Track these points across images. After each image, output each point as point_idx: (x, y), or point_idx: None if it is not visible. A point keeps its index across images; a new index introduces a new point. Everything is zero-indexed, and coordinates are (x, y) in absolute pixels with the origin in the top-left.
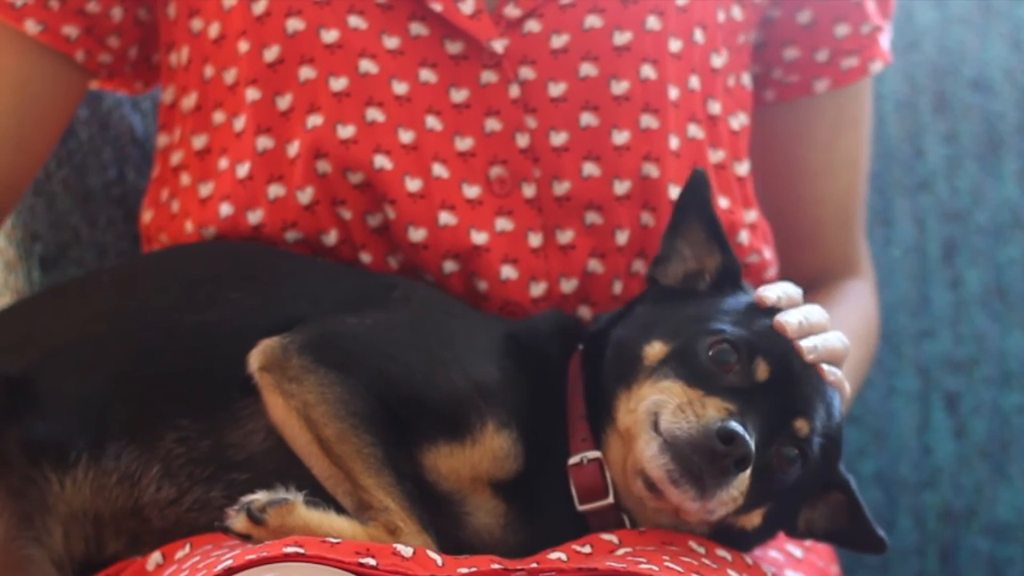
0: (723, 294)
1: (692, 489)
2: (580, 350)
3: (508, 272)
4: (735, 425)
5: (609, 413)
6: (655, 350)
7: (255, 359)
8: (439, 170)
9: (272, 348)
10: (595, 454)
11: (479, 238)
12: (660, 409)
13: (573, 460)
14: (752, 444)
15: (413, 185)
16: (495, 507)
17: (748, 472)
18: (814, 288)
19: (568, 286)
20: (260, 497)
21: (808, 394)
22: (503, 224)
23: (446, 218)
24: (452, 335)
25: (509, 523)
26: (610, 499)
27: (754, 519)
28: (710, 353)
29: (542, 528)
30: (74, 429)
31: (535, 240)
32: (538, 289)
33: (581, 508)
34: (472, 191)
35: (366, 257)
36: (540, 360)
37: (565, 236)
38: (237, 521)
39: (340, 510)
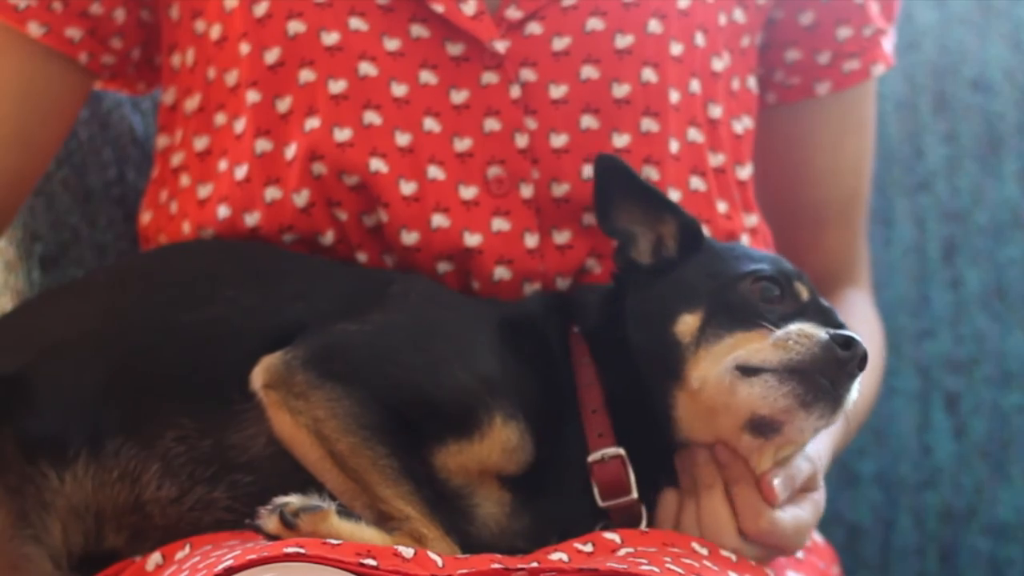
0: (699, 251)
1: (827, 406)
2: (577, 332)
3: (501, 273)
4: (842, 331)
5: (665, 409)
6: (687, 324)
7: (258, 377)
8: (435, 172)
9: (275, 365)
10: (616, 451)
11: (472, 240)
12: (748, 357)
13: (594, 457)
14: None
15: (407, 189)
16: (501, 496)
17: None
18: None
19: (563, 286)
20: (294, 501)
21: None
22: (499, 224)
23: (439, 220)
24: (451, 330)
25: (514, 510)
26: (634, 495)
27: None
28: (753, 293)
29: (547, 512)
30: (71, 425)
31: (531, 241)
32: (532, 290)
33: (604, 504)
34: (469, 192)
35: (362, 256)
36: (539, 344)
37: (562, 236)
38: (269, 522)
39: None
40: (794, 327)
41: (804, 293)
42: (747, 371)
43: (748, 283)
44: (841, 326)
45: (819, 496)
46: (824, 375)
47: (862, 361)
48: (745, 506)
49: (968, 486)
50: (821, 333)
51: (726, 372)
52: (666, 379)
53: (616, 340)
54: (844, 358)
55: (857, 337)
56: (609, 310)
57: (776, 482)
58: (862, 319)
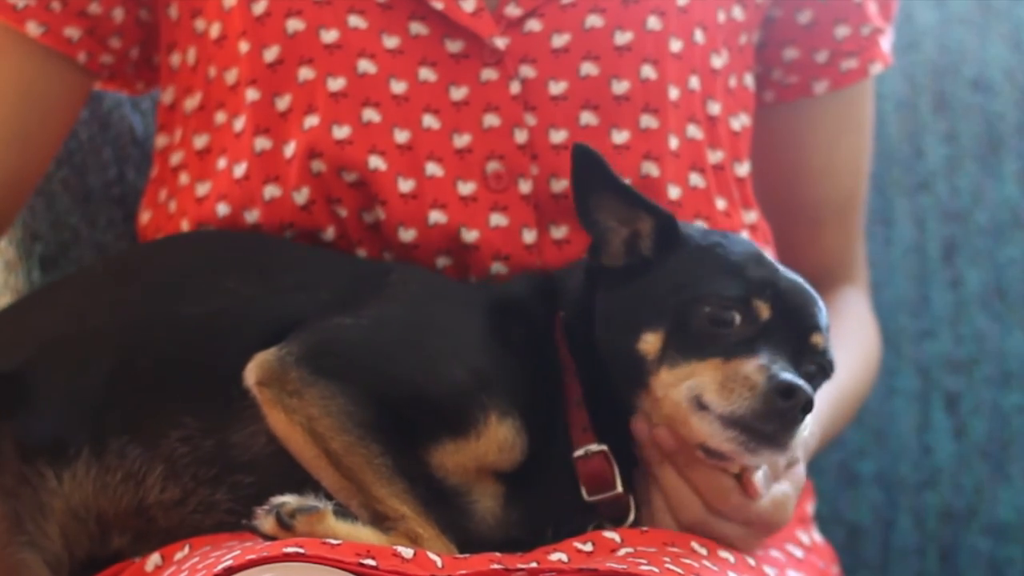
0: (674, 252)
1: (771, 451)
2: (562, 317)
3: (498, 268)
4: (786, 376)
5: (629, 410)
6: (650, 343)
7: (252, 374)
8: (433, 169)
9: (268, 362)
10: (599, 447)
11: (469, 236)
12: (700, 392)
13: (578, 453)
14: (808, 386)
15: (405, 186)
16: (496, 490)
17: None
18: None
19: None
20: (290, 501)
21: (809, 308)
22: (497, 220)
23: (436, 217)
24: (446, 323)
25: (508, 502)
26: (619, 489)
27: None
28: (708, 319)
29: (539, 503)
30: (72, 423)
31: (529, 236)
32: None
33: (589, 499)
34: (467, 188)
35: (362, 253)
36: (529, 333)
37: (560, 232)
38: (265, 523)
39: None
40: (741, 371)
41: (764, 312)
42: (701, 406)
43: (704, 307)
44: (812, 329)
45: (800, 469)
46: (767, 424)
47: (807, 406)
48: (709, 487)
49: (968, 486)
50: (763, 381)
51: (683, 398)
52: (633, 385)
53: (588, 336)
54: (784, 408)
55: (799, 383)
56: (582, 305)
57: (758, 476)
58: (856, 318)
